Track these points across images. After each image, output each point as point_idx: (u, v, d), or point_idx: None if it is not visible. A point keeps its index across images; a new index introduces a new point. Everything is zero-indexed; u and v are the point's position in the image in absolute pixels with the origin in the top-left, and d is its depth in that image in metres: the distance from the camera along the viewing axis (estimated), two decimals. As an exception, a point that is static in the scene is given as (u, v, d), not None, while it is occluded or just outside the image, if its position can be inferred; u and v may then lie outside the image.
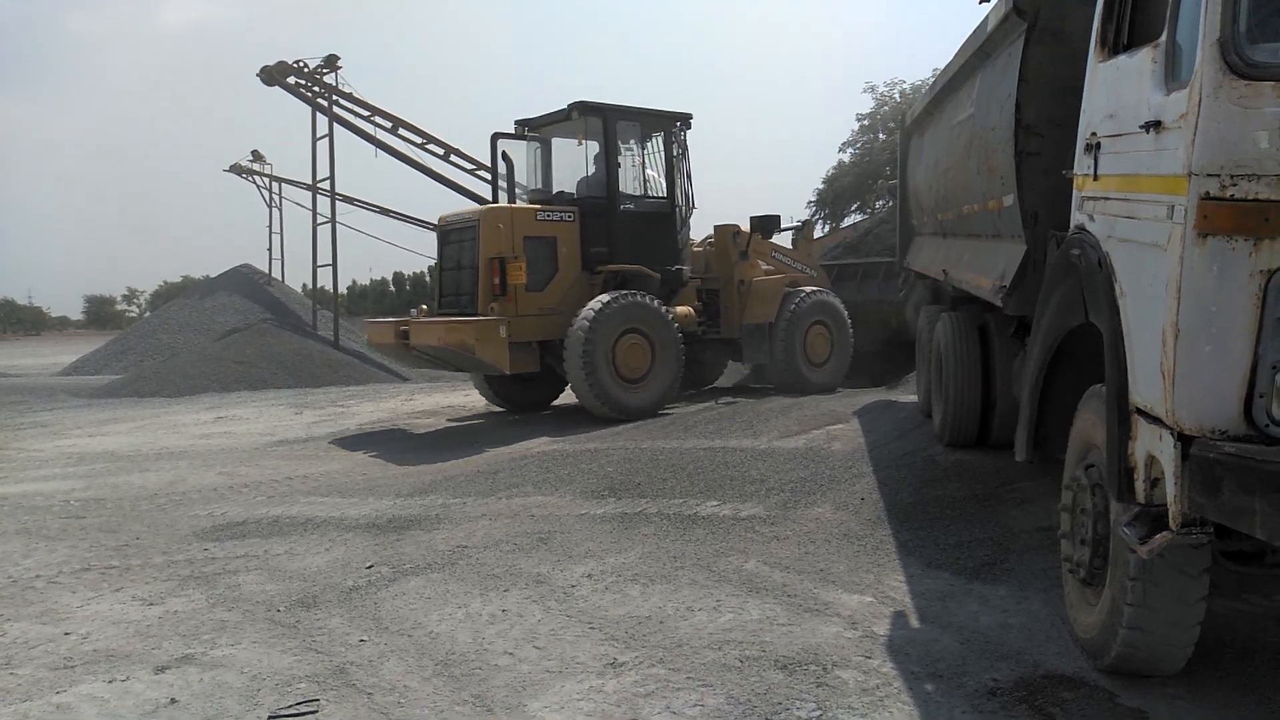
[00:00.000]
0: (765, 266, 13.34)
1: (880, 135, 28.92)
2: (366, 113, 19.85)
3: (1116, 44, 3.77)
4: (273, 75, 19.87)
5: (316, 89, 20.10)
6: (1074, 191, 4.20)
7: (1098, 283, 3.58)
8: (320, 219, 20.92)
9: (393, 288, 44.85)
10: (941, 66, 8.56)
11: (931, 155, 8.78)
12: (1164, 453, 2.94)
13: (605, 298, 10.84)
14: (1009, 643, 4.09)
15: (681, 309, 11.98)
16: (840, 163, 30.86)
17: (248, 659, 4.27)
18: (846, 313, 13.28)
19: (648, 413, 10.90)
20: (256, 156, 26.07)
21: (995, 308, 5.96)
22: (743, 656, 4.03)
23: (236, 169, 26.03)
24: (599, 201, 11.71)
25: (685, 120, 12.44)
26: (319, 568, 5.70)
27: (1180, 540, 2.95)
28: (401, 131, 19.59)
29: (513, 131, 12.54)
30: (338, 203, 20.89)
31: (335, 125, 20.00)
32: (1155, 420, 3.02)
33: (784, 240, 14.49)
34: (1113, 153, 3.66)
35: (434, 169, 19.44)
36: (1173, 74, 3.11)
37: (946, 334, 7.64)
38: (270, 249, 26.13)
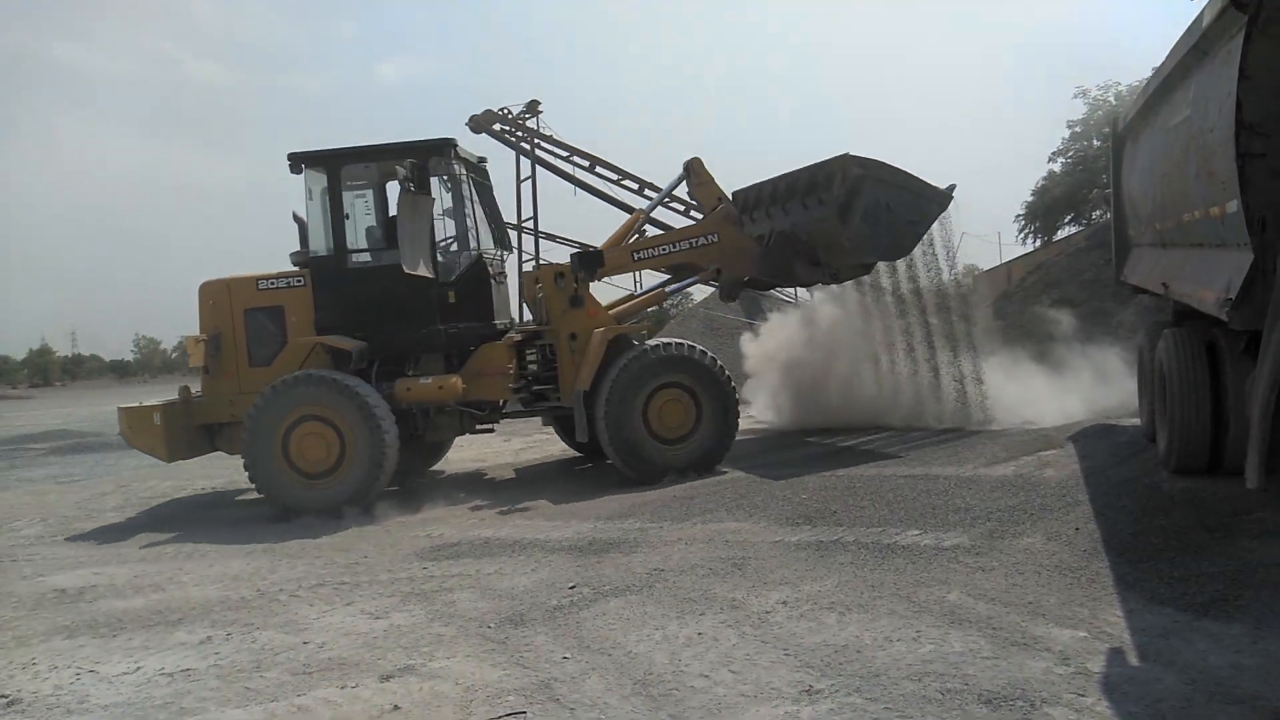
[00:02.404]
0: (603, 308, 10.76)
1: (1095, 142, 27.20)
2: (565, 153, 20.78)
3: (1349, 32, 3.47)
4: (480, 123, 21.18)
5: (520, 134, 21.25)
6: (1305, 194, 3.86)
7: (1334, 293, 3.28)
8: (525, 256, 22.02)
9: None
10: (1156, 66, 8.05)
11: (1146, 161, 8.24)
12: None
13: (280, 380, 9.33)
14: (1243, 685, 3.75)
15: (444, 380, 9.76)
16: (1050, 173, 29.29)
17: (462, 671, 4.57)
18: (720, 364, 10.13)
19: (334, 513, 9.02)
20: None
21: (1224, 322, 5.52)
22: (944, 689, 3.91)
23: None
24: (326, 261, 10.08)
25: (442, 149, 10.10)
26: (526, 587, 6.00)
27: None
28: (598, 169, 20.35)
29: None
30: (541, 241, 21.98)
31: (537, 167, 21.06)
32: (1405, 443, 2.74)
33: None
34: (1348, 151, 3.35)
35: (631, 205, 20.02)
36: None
37: (1170, 352, 7.12)
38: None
